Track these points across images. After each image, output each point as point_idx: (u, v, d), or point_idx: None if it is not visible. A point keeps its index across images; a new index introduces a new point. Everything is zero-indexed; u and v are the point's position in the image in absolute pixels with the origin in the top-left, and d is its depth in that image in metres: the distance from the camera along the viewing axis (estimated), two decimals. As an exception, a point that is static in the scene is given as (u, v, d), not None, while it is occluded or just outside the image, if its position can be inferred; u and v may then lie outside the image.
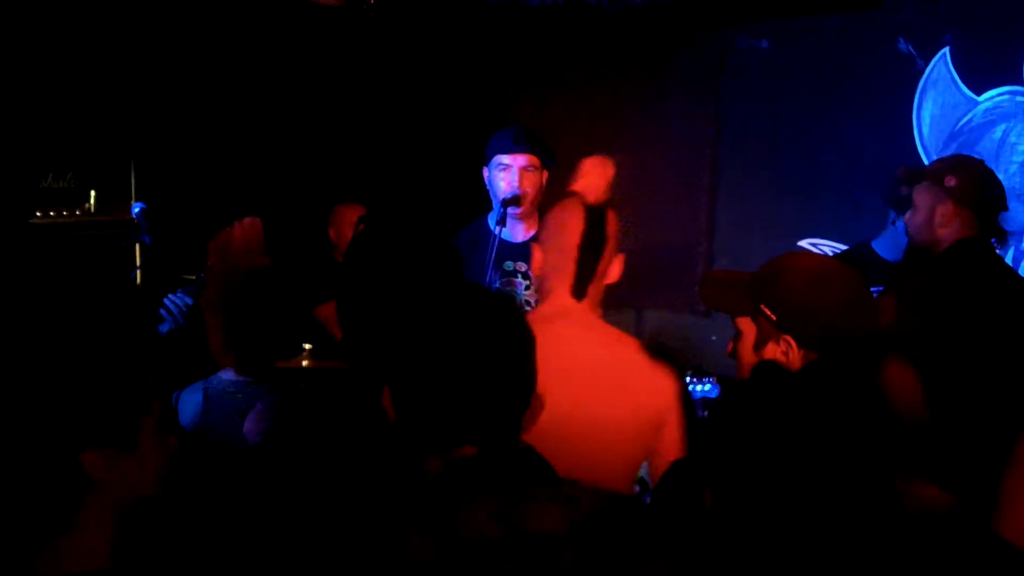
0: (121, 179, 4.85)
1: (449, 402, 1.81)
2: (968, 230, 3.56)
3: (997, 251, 3.74)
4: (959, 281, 3.49)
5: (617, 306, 5.81)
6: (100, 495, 1.64)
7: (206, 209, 5.04)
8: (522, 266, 4.32)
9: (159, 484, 1.74)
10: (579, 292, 2.73)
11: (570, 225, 2.73)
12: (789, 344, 2.49)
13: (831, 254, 4.86)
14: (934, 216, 3.61)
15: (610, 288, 2.87)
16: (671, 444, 2.66)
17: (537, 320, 2.18)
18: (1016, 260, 4.58)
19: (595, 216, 2.74)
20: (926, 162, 4.83)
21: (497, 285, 4.26)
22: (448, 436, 1.82)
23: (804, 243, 5.08)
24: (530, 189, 4.26)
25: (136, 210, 4.38)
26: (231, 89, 5.30)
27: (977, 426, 2.53)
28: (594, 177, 2.91)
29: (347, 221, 4.88)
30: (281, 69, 5.47)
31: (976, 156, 4.67)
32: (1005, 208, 3.71)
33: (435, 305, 1.89)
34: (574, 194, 2.84)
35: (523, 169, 4.24)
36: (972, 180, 3.62)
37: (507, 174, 4.23)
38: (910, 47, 4.88)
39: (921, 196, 3.70)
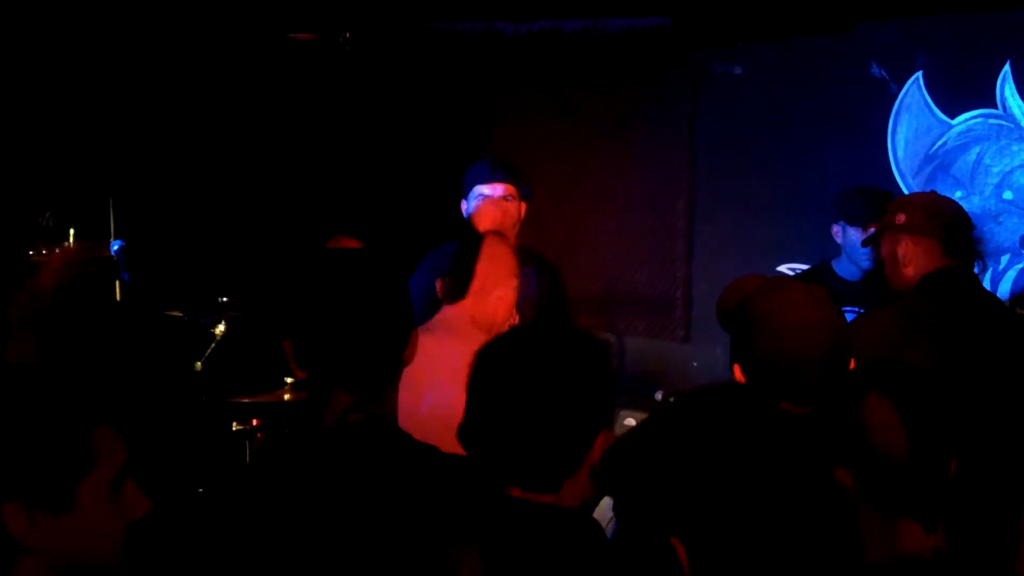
0: (100, 216, 4.84)
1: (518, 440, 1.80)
2: (936, 261, 3.44)
3: (976, 275, 3.63)
4: (928, 313, 3.35)
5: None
6: (29, 558, 1.58)
7: (185, 246, 5.05)
8: None
9: (111, 550, 1.67)
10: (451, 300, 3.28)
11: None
12: None
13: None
14: (896, 258, 3.51)
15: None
16: None
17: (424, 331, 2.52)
18: (994, 280, 4.61)
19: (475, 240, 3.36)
20: (901, 185, 4.86)
21: None
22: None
23: (783, 268, 5.10)
24: (507, 219, 4.26)
25: (115, 247, 4.37)
26: (209, 125, 5.30)
27: (963, 462, 2.54)
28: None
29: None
30: (258, 104, 5.47)
31: (951, 178, 4.72)
32: (970, 228, 3.57)
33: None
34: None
35: (501, 199, 4.25)
36: (923, 209, 3.52)
37: (485, 205, 4.24)
38: (883, 71, 4.92)
39: (882, 245, 3.60)
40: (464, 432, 1.86)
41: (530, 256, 4.47)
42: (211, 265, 5.00)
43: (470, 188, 4.29)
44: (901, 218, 3.51)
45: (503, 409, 1.81)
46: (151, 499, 1.72)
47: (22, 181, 4.63)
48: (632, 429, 1.74)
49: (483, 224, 4.23)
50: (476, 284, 3.28)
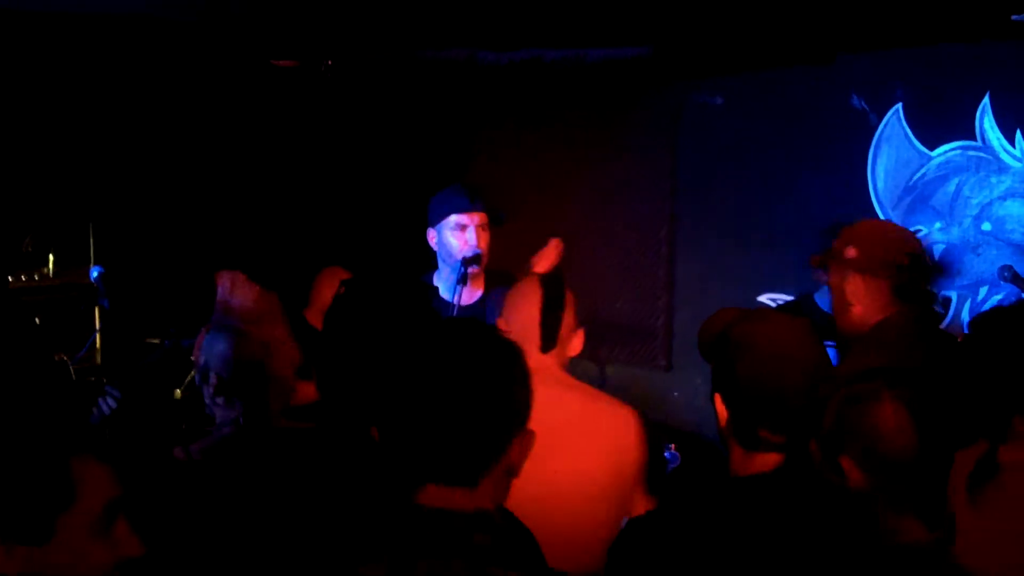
0: (80, 243, 4.83)
1: (434, 431, 1.77)
2: (886, 305, 3.22)
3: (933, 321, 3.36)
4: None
5: (578, 360, 5.85)
6: None
7: (165, 272, 5.04)
8: None
9: None
10: (546, 349, 2.96)
11: (530, 293, 3.04)
12: None
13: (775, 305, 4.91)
14: (844, 295, 3.30)
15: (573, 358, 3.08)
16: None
17: None
18: (973, 311, 4.62)
19: (552, 283, 3.08)
20: (880, 216, 4.88)
21: None
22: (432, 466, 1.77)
23: (763, 298, 5.11)
24: (485, 247, 4.25)
25: (95, 274, 4.36)
26: (189, 151, 5.29)
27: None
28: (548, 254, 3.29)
29: (328, 283, 4.81)
30: (239, 131, 5.47)
31: (931, 210, 4.74)
32: (928, 272, 3.34)
33: (417, 339, 1.87)
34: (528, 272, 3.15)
35: (479, 227, 4.23)
36: (875, 245, 3.28)
37: (464, 233, 4.21)
38: (863, 102, 4.95)
39: (830, 276, 3.39)
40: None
41: (509, 282, 4.46)
42: (191, 291, 4.99)
43: (443, 217, 4.24)
44: (851, 252, 3.30)
45: (420, 398, 1.77)
46: (144, 541, 1.69)
47: (1, 207, 4.62)
48: (636, 526, 1.73)
49: (459, 251, 4.20)
50: (564, 331, 3.04)
